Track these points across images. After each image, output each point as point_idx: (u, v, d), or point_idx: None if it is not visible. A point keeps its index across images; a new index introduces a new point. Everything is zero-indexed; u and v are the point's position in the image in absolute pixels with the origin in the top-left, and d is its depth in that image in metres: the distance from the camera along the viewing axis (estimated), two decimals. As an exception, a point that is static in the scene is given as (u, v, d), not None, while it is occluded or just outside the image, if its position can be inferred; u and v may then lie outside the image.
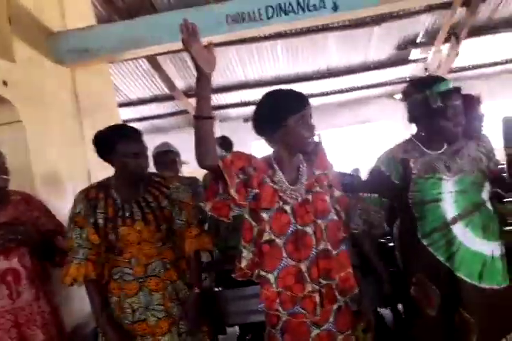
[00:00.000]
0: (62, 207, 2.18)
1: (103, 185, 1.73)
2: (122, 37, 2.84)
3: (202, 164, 1.31)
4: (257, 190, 1.42)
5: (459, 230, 1.55)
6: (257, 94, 7.31)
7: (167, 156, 2.88)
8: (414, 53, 6.34)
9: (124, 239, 1.65)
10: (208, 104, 1.31)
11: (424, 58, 6.48)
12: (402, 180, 1.62)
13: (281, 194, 1.44)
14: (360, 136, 8.90)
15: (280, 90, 1.48)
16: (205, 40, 1.30)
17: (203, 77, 1.28)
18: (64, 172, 2.70)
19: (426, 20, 5.52)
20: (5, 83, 2.29)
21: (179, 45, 3.07)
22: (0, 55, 2.33)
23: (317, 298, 1.41)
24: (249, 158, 1.44)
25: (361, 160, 6.75)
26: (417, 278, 1.62)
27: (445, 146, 1.64)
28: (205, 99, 1.30)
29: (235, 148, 3.38)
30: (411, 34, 5.90)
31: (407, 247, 1.72)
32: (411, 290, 1.64)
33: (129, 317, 1.66)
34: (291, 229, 1.41)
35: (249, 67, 6.41)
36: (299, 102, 1.42)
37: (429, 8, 5.13)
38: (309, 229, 1.42)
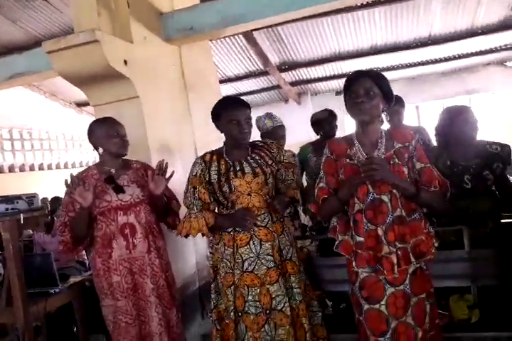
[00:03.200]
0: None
1: (216, 151, 1.95)
2: (224, 14, 2.94)
3: None
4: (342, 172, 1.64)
5: None
6: (351, 65, 7.11)
7: (280, 130, 2.95)
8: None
9: (236, 190, 1.83)
10: None
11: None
12: None
13: (359, 165, 1.57)
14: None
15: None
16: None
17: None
18: (174, 144, 2.93)
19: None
20: (125, 62, 2.52)
21: (276, 19, 3.11)
22: (120, 35, 2.57)
23: (394, 259, 1.54)
24: (330, 152, 1.69)
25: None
26: None
27: None
28: None
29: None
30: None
31: None
32: None
33: (239, 266, 1.81)
34: (369, 197, 1.57)
35: (344, 37, 6.23)
36: (348, 80, 1.62)
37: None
38: (386, 198, 1.56)
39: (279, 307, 1.76)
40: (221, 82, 7.11)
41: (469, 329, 1.94)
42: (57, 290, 2.52)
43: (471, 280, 2.12)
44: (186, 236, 1.90)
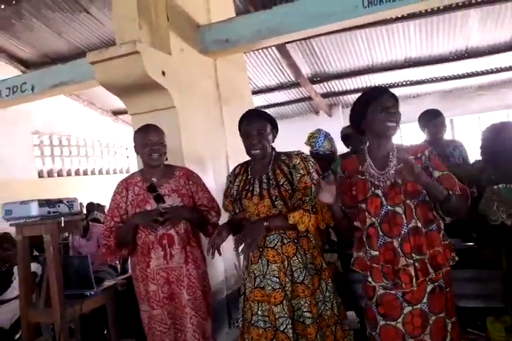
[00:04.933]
0: (205, 182, 2.44)
1: (246, 163, 1.96)
2: (259, 27, 3.00)
3: None
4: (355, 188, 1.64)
5: None
6: (384, 78, 7.07)
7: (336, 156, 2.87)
8: None
9: (247, 210, 1.84)
10: None
11: None
12: None
13: (371, 179, 1.60)
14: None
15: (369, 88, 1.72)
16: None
17: None
18: (207, 154, 2.99)
19: None
20: (163, 73, 2.61)
21: (311, 32, 3.13)
22: (160, 47, 2.67)
23: (412, 271, 1.52)
24: (342, 171, 1.72)
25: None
26: None
27: None
28: None
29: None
30: None
31: None
32: None
33: (252, 281, 1.82)
34: (384, 210, 1.57)
35: (377, 50, 6.21)
36: (376, 92, 1.60)
37: None
38: (399, 209, 1.55)
39: (281, 328, 1.74)
40: (253, 93, 7.20)
41: None
42: (92, 293, 2.57)
43: (507, 302, 2.05)
44: None
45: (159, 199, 1.99)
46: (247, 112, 1.91)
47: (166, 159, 2.10)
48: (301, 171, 1.80)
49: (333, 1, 2.78)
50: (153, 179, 2.01)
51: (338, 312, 1.85)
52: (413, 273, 1.51)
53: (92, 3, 5.14)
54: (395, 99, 1.58)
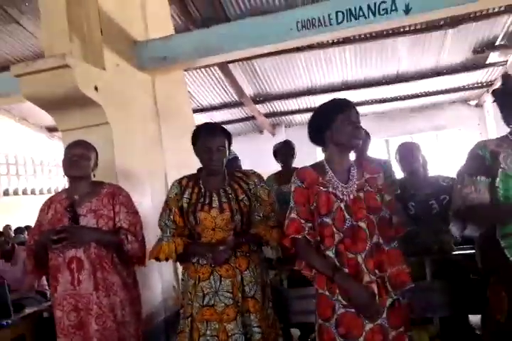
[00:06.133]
0: (140, 202, 2.35)
1: (193, 176, 1.90)
2: (197, 45, 3.01)
3: None
4: (315, 202, 1.57)
5: None
6: (323, 100, 7.29)
7: (235, 163, 2.98)
8: (493, 57, 6.01)
9: (201, 223, 1.78)
10: None
11: (504, 62, 6.12)
12: (488, 172, 1.55)
13: (333, 191, 1.56)
14: (434, 143, 8.52)
15: (330, 99, 1.67)
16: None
17: None
18: (143, 172, 2.88)
19: (507, 22, 5.23)
20: (96, 88, 2.52)
21: (250, 52, 3.18)
22: (92, 62, 2.58)
23: (375, 288, 1.48)
24: (301, 181, 1.62)
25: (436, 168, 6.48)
26: (492, 280, 1.57)
27: None
28: None
29: (301, 153, 3.47)
30: (489, 36, 5.62)
31: (486, 245, 1.65)
32: (487, 290, 1.59)
33: (200, 300, 1.75)
34: (347, 224, 1.52)
35: (316, 73, 6.46)
36: (344, 105, 1.59)
37: (510, 9, 4.86)
38: (363, 224, 1.52)
39: None
40: (196, 111, 7.19)
41: None
42: (9, 322, 2.38)
43: (433, 312, 2.12)
44: (157, 259, 1.83)
45: (74, 219, 1.87)
46: (206, 125, 1.89)
47: (94, 175, 2.02)
48: (261, 189, 1.84)
49: (268, 23, 2.85)
50: (75, 196, 1.91)
51: (276, 329, 1.86)
52: (376, 290, 1.48)
53: (23, 14, 4.92)
54: (357, 112, 1.60)
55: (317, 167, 1.63)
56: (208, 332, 1.71)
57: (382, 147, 8.46)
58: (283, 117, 8.38)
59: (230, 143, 1.86)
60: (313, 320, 1.91)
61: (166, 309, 2.90)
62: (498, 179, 1.52)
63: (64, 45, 2.48)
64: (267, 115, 8.08)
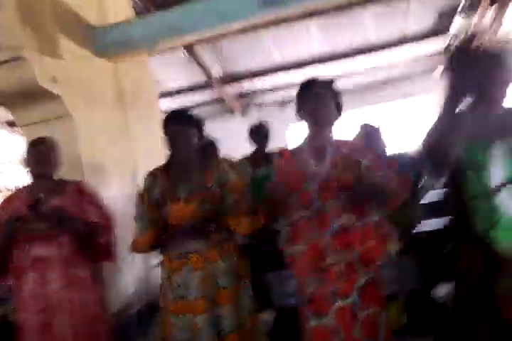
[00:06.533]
0: (108, 196, 2.29)
1: (165, 166, 1.86)
2: (159, 27, 2.89)
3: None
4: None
5: (503, 198, 1.48)
6: (293, 77, 7.23)
7: (211, 148, 2.95)
8: (457, 21, 6.01)
9: (171, 214, 1.76)
10: None
11: (467, 25, 6.14)
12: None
13: (305, 169, 1.58)
14: (404, 112, 8.61)
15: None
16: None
17: None
18: (111, 163, 2.81)
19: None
20: (54, 79, 2.39)
21: (215, 32, 3.09)
22: (48, 52, 2.44)
23: (338, 269, 1.52)
24: (282, 157, 1.68)
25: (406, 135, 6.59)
26: (460, 245, 1.62)
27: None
28: None
29: (272, 134, 3.42)
30: (453, 3, 5.61)
31: (454, 211, 1.68)
32: (457, 257, 1.63)
33: (172, 292, 1.74)
34: (314, 205, 1.54)
35: (284, 49, 6.34)
36: (306, 83, 1.64)
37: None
38: (330, 205, 1.53)
39: (204, 339, 1.69)
40: (163, 96, 7.00)
41: (396, 334, 1.93)
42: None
43: (401, 287, 2.16)
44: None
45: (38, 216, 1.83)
46: (172, 113, 1.84)
47: (59, 172, 1.98)
48: (231, 175, 1.79)
49: (230, 0, 2.75)
50: (40, 194, 1.85)
51: (255, 317, 1.85)
52: (339, 271, 1.51)
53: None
54: (328, 88, 1.59)
55: (298, 145, 1.69)
56: (180, 324, 1.71)
57: (352, 118, 8.50)
58: (253, 97, 8.25)
59: (200, 130, 1.82)
60: (289, 302, 1.95)
61: (138, 302, 2.87)
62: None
63: (17, 36, 2.34)
64: (237, 96, 7.94)
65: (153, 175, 1.85)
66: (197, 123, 1.81)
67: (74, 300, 1.86)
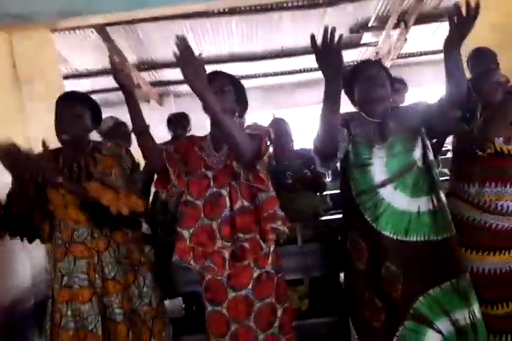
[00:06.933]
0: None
1: (58, 149, 1.80)
2: (61, 5, 2.74)
3: (154, 169, 1.64)
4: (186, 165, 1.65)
5: (387, 192, 1.67)
6: (209, 71, 7.20)
7: (121, 129, 2.87)
8: (366, 37, 6.47)
9: (52, 201, 1.70)
10: (140, 119, 1.55)
11: (375, 42, 6.63)
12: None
13: (206, 159, 1.63)
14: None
15: None
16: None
17: (127, 93, 1.51)
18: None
19: (378, 5, 5.64)
20: None
21: (128, 16, 3.01)
22: None
23: (226, 254, 1.56)
24: (189, 140, 1.74)
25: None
26: (350, 234, 1.78)
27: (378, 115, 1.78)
28: (136, 115, 1.54)
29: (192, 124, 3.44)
30: (364, 18, 6.01)
31: (345, 203, 1.85)
32: (346, 244, 1.79)
33: (58, 281, 1.71)
34: (209, 191, 1.59)
35: (203, 42, 6.32)
36: (212, 74, 1.66)
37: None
38: (224, 191, 1.58)
39: (90, 328, 1.67)
40: (73, 76, 6.63)
41: (299, 318, 2.05)
42: None
43: (303, 273, 2.29)
44: None
45: None
46: (66, 93, 1.79)
47: None
48: (112, 160, 1.76)
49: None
50: None
51: (157, 306, 1.83)
52: (227, 256, 1.55)
53: None
54: (224, 78, 1.66)
55: (204, 136, 1.74)
56: (69, 313, 1.68)
57: (267, 120, 8.71)
58: (171, 87, 8.12)
59: (94, 114, 1.79)
60: (195, 289, 1.98)
61: (36, 293, 2.73)
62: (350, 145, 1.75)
63: None
64: (154, 84, 7.75)
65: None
66: (92, 106, 1.77)
67: None
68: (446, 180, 3.61)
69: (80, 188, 1.63)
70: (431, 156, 1.75)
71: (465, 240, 1.94)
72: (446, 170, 4.18)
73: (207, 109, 1.40)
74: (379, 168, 1.68)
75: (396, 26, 5.85)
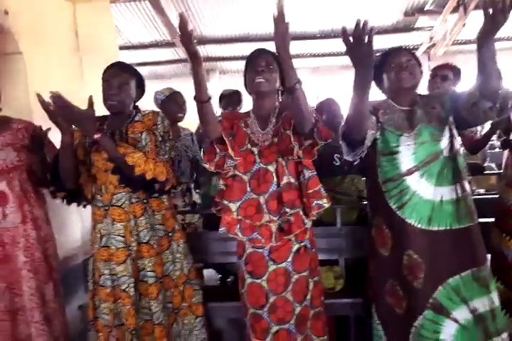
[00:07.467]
0: (57, 139, 2.29)
1: (105, 117, 1.85)
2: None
3: (210, 138, 1.66)
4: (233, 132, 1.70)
5: (413, 181, 1.68)
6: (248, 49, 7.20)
7: (177, 98, 2.87)
8: (421, 21, 6.25)
9: (94, 165, 1.78)
10: (205, 88, 1.52)
11: (430, 27, 6.40)
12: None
13: (251, 136, 1.68)
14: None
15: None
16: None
17: (196, 60, 1.47)
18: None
19: (436, -13, 5.43)
20: (6, 12, 2.32)
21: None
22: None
23: (273, 228, 1.64)
24: (233, 115, 1.77)
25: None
26: (375, 221, 1.80)
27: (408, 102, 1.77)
28: (201, 83, 1.51)
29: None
30: (420, 0, 5.80)
31: (371, 190, 1.88)
32: (371, 230, 1.82)
33: (98, 241, 1.79)
34: (255, 167, 1.65)
35: (254, 19, 6.31)
36: (250, 55, 1.71)
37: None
38: (271, 168, 1.64)
39: (123, 287, 1.74)
40: (125, 48, 6.80)
41: (332, 297, 2.12)
42: None
43: (339, 254, 2.35)
44: None
45: None
46: (113, 63, 1.82)
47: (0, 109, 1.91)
48: (161, 129, 1.77)
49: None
50: None
51: (188, 273, 1.90)
52: (274, 230, 1.63)
53: None
54: (269, 56, 1.65)
55: (248, 112, 1.78)
56: (107, 272, 1.77)
57: (313, 101, 8.69)
58: (218, 63, 8.19)
59: (139, 85, 1.84)
60: (232, 261, 2.05)
61: (85, 251, 2.94)
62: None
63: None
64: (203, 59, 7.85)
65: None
66: (137, 76, 1.81)
67: (29, 235, 1.91)
68: (493, 174, 3.56)
69: (112, 145, 1.65)
70: (457, 145, 1.74)
71: (509, 228, 1.94)
72: (493, 165, 4.09)
73: (291, 77, 1.44)
74: (406, 156, 1.68)
75: (454, 10, 5.62)
